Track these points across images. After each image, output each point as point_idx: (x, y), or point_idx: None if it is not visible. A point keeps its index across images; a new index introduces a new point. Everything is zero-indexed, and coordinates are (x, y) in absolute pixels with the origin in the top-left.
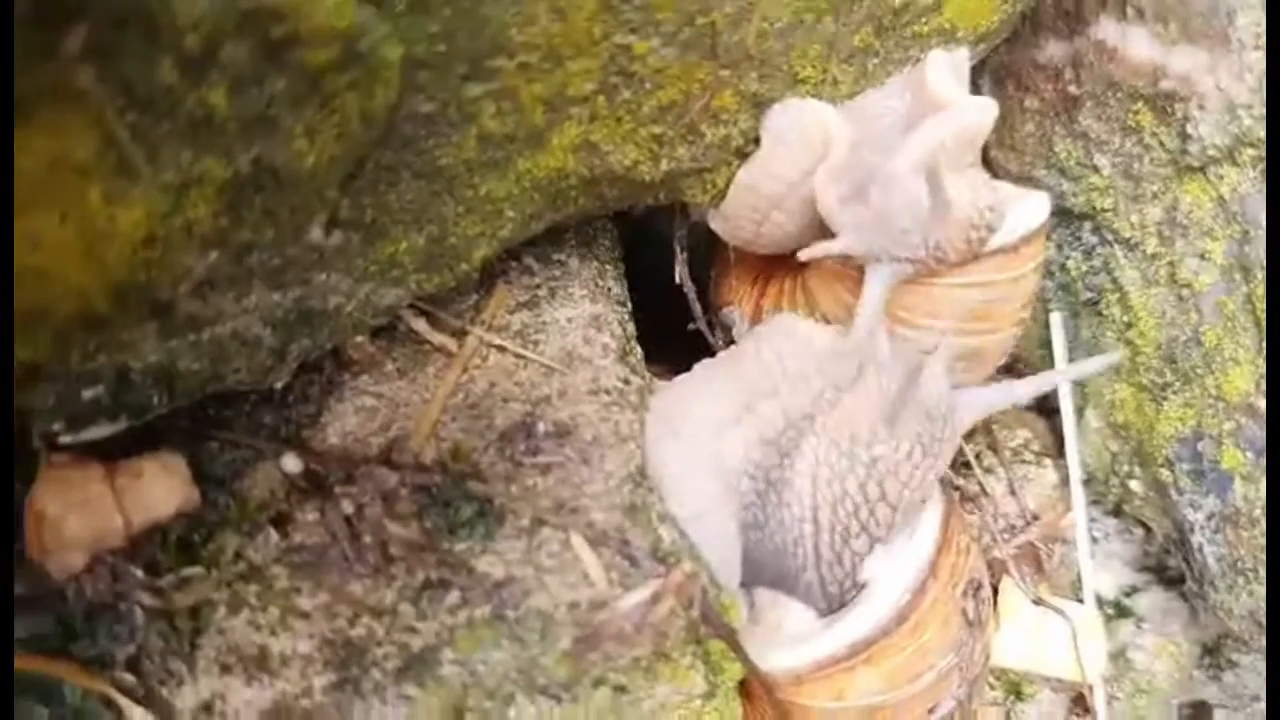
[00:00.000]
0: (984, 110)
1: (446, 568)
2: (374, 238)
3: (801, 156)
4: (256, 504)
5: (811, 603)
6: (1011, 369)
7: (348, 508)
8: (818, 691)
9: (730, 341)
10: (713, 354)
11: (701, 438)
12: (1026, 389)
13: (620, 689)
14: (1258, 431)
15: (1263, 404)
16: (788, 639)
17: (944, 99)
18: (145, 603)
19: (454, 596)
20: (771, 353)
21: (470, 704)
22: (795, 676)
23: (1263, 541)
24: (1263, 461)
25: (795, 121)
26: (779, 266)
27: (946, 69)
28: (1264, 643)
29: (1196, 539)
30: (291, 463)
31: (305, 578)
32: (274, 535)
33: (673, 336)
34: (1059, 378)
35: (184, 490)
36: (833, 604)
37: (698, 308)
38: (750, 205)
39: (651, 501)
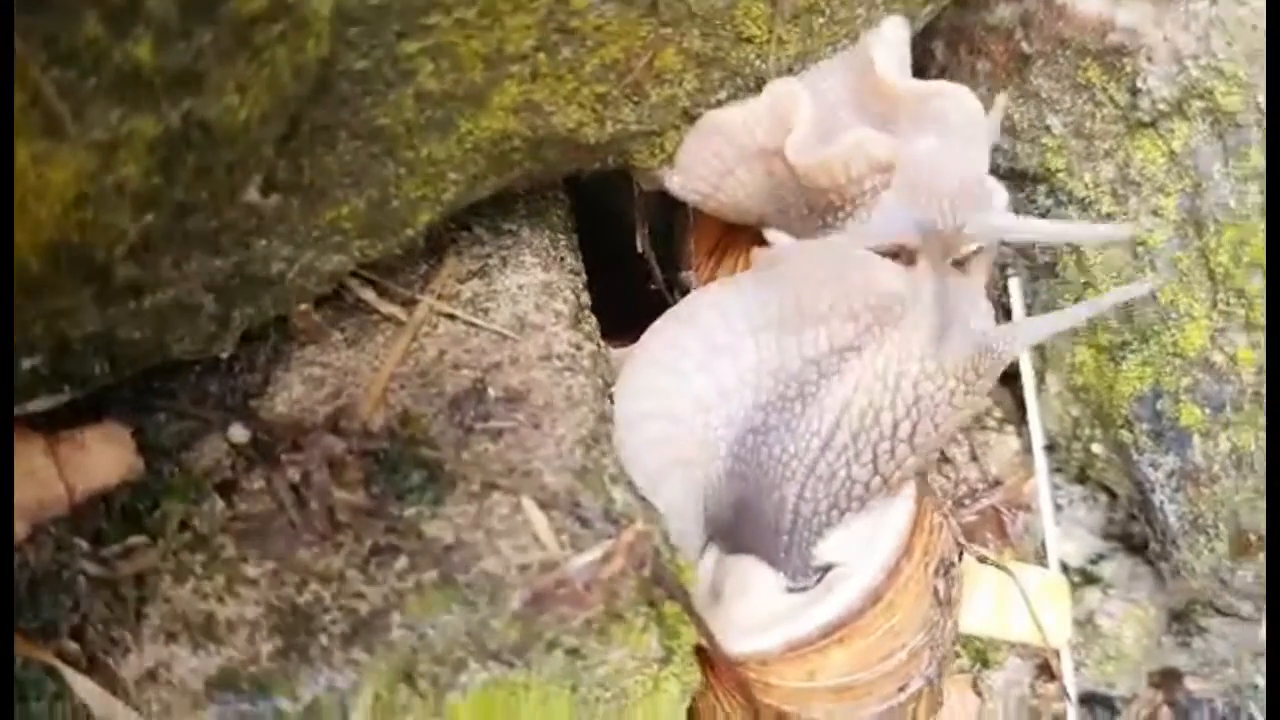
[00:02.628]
0: None
1: (394, 533)
2: (313, 201)
3: (771, 124)
4: (202, 472)
5: (775, 551)
6: None
7: (294, 475)
8: (787, 671)
9: None
10: None
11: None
12: (1084, 310)
13: (573, 652)
14: (1214, 387)
15: (1220, 358)
16: (756, 616)
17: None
18: (89, 572)
19: (402, 561)
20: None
21: (420, 669)
22: (763, 657)
23: (1223, 497)
24: (1221, 416)
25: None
26: (737, 237)
27: (895, 63)
28: (1228, 602)
29: (1158, 498)
30: (238, 432)
31: (252, 545)
32: (220, 504)
33: (634, 312)
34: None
35: (127, 459)
36: (797, 546)
37: (658, 271)
38: (714, 153)
39: (605, 464)
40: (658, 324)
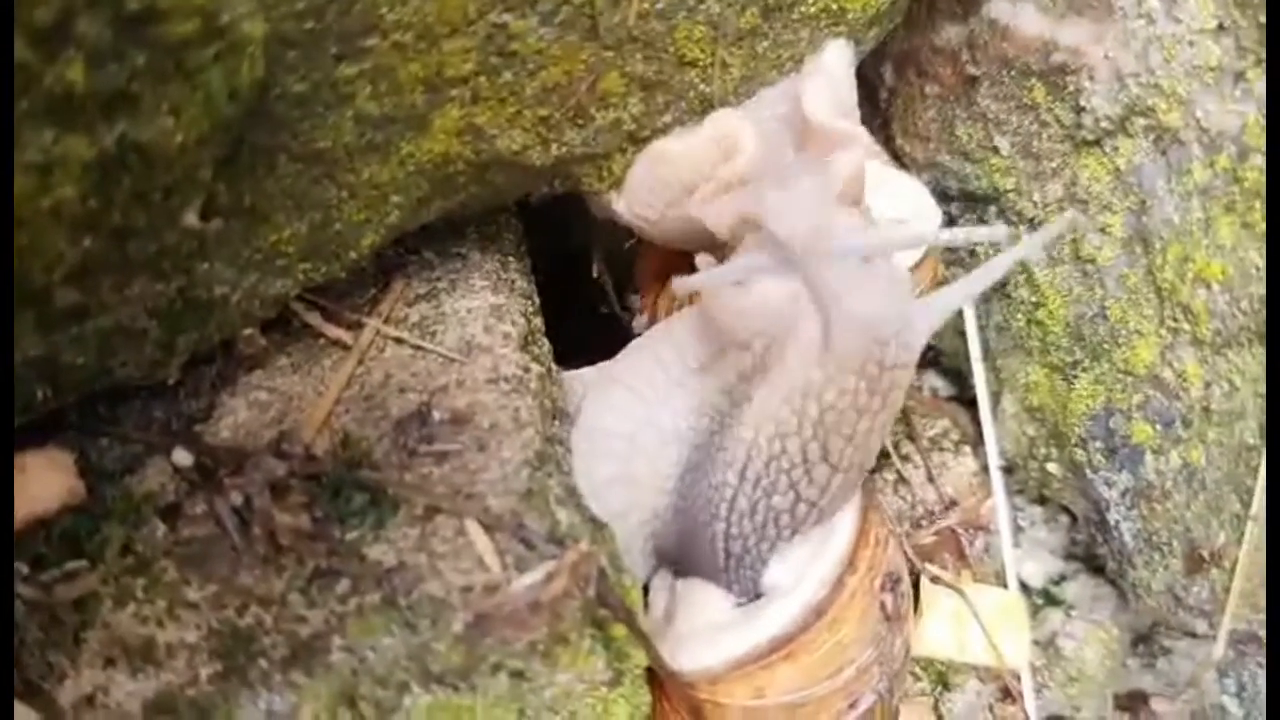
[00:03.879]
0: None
1: (336, 556)
2: (255, 225)
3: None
4: (145, 496)
5: (721, 579)
6: (935, 362)
7: (236, 499)
8: (735, 690)
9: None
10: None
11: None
12: (984, 275)
13: (518, 674)
14: (1164, 403)
15: (1168, 374)
16: (703, 633)
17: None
18: (27, 596)
19: (344, 585)
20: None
21: (362, 692)
22: (712, 676)
23: (1176, 514)
24: (1171, 433)
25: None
26: (682, 262)
27: (825, 96)
28: (1183, 619)
29: (1113, 516)
30: (182, 456)
31: (193, 569)
32: (162, 527)
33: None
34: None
35: (68, 484)
36: (740, 579)
37: (612, 295)
38: (659, 181)
39: (550, 485)
40: (632, 347)
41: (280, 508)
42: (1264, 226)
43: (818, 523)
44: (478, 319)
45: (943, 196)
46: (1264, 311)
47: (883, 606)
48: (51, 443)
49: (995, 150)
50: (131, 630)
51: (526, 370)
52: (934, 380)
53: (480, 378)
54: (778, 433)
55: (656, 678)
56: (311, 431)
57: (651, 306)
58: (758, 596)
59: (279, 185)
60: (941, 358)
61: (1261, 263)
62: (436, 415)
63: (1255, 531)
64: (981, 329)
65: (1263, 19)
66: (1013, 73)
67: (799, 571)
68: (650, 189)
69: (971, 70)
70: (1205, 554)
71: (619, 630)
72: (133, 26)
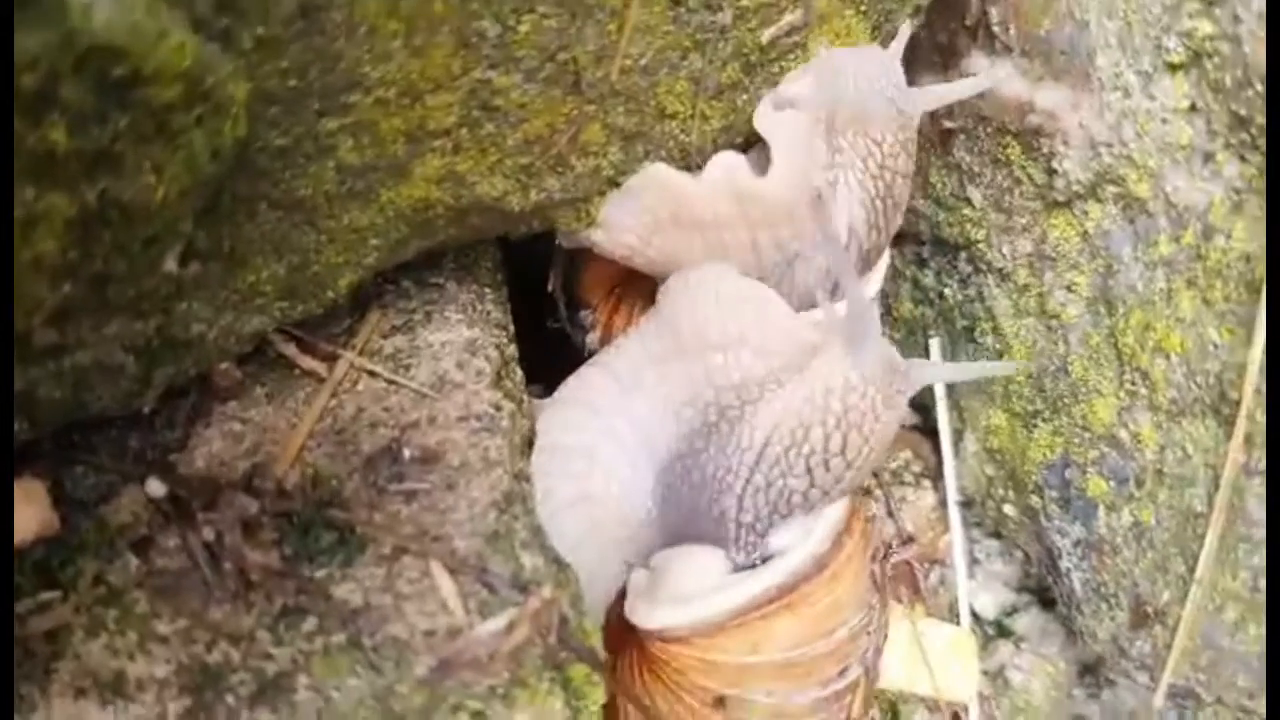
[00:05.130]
0: None
1: (305, 595)
2: (233, 267)
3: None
4: (119, 527)
5: (728, 545)
6: None
7: (208, 534)
8: (731, 644)
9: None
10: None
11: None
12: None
13: (478, 715)
14: (1120, 462)
15: (1125, 435)
16: (703, 586)
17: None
18: None
19: (311, 623)
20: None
21: None
22: (710, 627)
23: (1124, 569)
24: (1125, 490)
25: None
26: (636, 282)
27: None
28: (1126, 668)
29: (1064, 564)
30: (156, 487)
31: (165, 602)
32: (134, 560)
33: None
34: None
35: (41, 516)
36: (746, 544)
37: (563, 310)
38: (646, 209)
39: (516, 528)
40: (582, 368)
41: (251, 544)
42: (1224, 305)
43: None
44: (451, 354)
45: (914, 239)
46: (1219, 387)
47: (873, 575)
48: (26, 471)
49: (968, 201)
50: (102, 662)
51: (498, 408)
52: None
53: (452, 414)
54: (801, 423)
55: (609, 710)
56: (284, 466)
57: (606, 323)
58: (757, 563)
59: (258, 230)
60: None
61: (1218, 339)
62: (407, 453)
63: (1198, 594)
64: None
65: (1233, 106)
66: (989, 129)
67: (799, 536)
68: (634, 216)
69: (948, 123)
70: (1150, 610)
71: (578, 671)
72: (117, 91)
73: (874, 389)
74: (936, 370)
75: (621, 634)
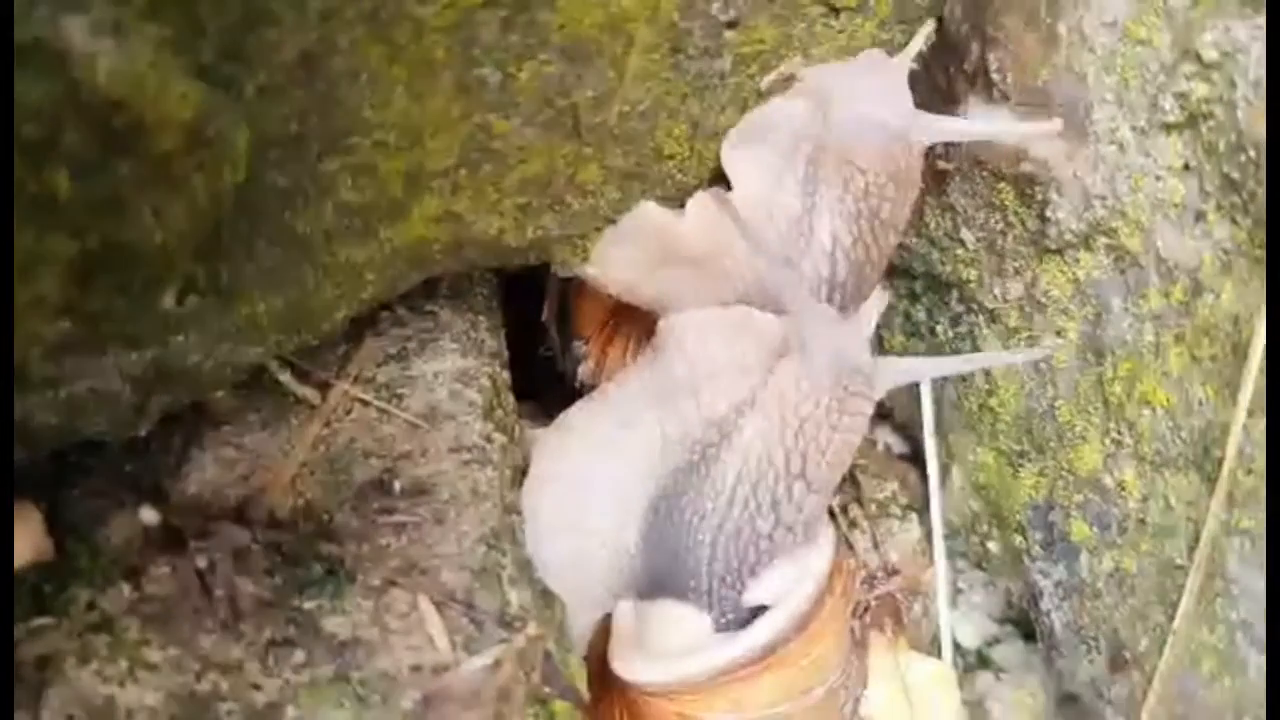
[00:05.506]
0: None
1: (294, 626)
2: (231, 301)
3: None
4: (111, 555)
5: (703, 605)
6: (888, 415)
7: (201, 562)
8: (715, 702)
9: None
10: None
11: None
12: (954, 364)
13: None
14: (1103, 508)
15: (1109, 481)
16: (682, 647)
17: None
18: None
19: (299, 655)
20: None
21: None
22: (694, 685)
23: (1104, 614)
24: (1107, 536)
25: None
26: (631, 315)
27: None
28: (1103, 711)
29: (1045, 604)
30: (149, 514)
31: (156, 630)
32: (126, 587)
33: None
34: (990, 360)
35: (36, 541)
36: (722, 604)
37: (556, 339)
38: (641, 249)
39: (504, 563)
40: (582, 400)
41: (242, 574)
42: (1211, 364)
43: (790, 549)
44: (444, 384)
45: (907, 274)
46: (1203, 444)
47: (852, 632)
48: (21, 493)
49: (961, 242)
50: (93, 689)
51: (489, 440)
52: (888, 436)
53: (443, 446)
54: (765, 447)
55: None
56: (276, 495)
57: (599, 355)
58: (737, 617)
59: (256, 266)
60: (895, 414)
61: (1204, 396)
62: (397, 485)
63: (1175, 645)
64: (936, 402)
65: (1226, 169)
66: (984, 173)
67: (781, 590)
68: (629, 254)
69: (943, 164)
70: (1128, 656)
71: (560, 706)
72: (118, 139)
73: (827, 395)
74: (905, 365)
75: (605, 674)
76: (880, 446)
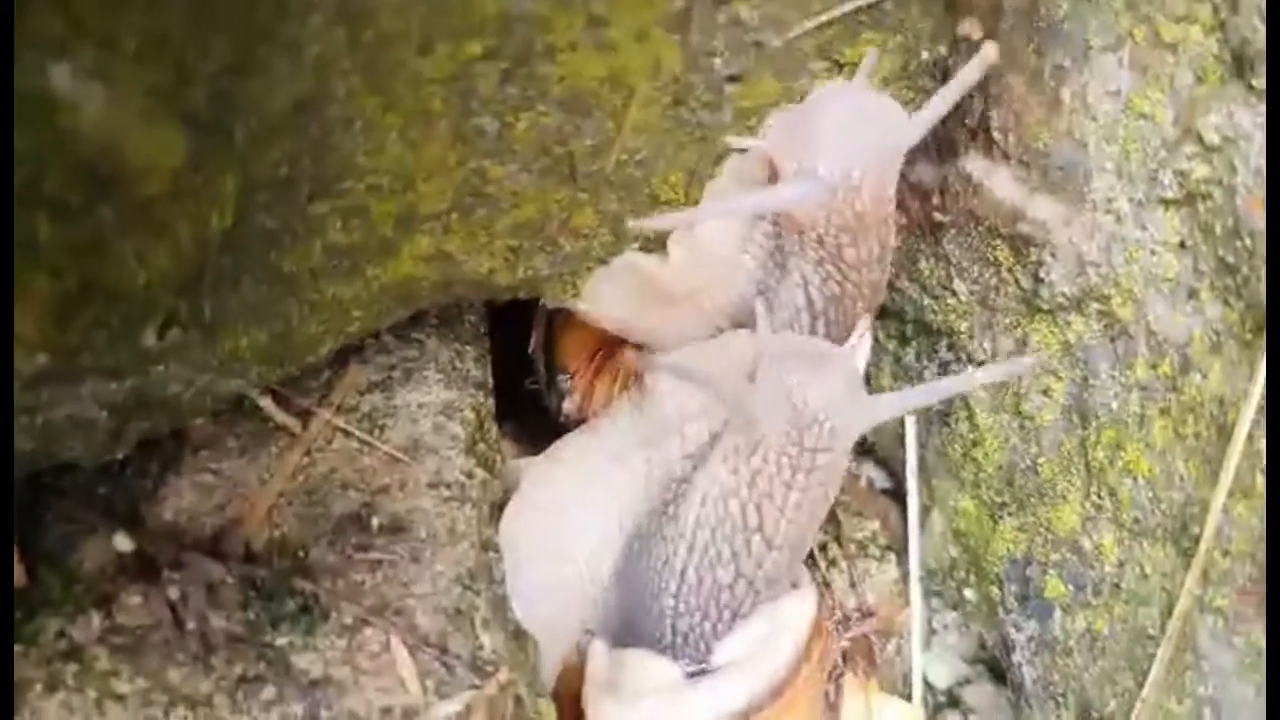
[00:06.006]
0: None
1: (265, 662)
2: (214, 335)
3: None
4: (83, 582)
5: (668, 654)
6: (871, 450)
7: (173, 593)
8: None
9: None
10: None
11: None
12: (924, 396)
13: None
14: (1080, 568)
15: (1087, 544)
16: (653, 698)
17: None
18: None
19: (269, 692)
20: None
21: None
22: None
23: (1075, 673)
24: (1082, 597)
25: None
26: (618, 349)
27: None
28: None
29: (1017, 657)
30: (123, 541)
31: (125, 660)
32: (96, 616)
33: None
34: (964, 383)
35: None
36: (686, 655)
37: (542, 371)
38: (627, 292)
39: (478, 605)
40: (574, 432)
41: (215, 606)
42: (1194, 441)
43: (755, 605)
44: (428, 416)
45: (898, 317)
46: (1181, 519)
47: (826, 696)
48: None
49: (953, 292)
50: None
51: (470, 475)
52: (871, 471)
53: (423, 480)
54: (721, 493)
55: None
56: (253, 526)
57: (586, 390)
58: (709, 669)
59: (241, 301)
60: (878, 449)
61: (1186, 472)
62: (375, 521)
63: (1143, 712)
64: (921, 446)
65: (1221, 251)
66: (980, 228)
67: (753, 649)
68: (618, 294)
69: (940, 217)
70: (1097, 717)
71: None
72: (102, 185)
73: (777, 454)
74: (880, 405)
75: (576, 715)
76: (863, 481)
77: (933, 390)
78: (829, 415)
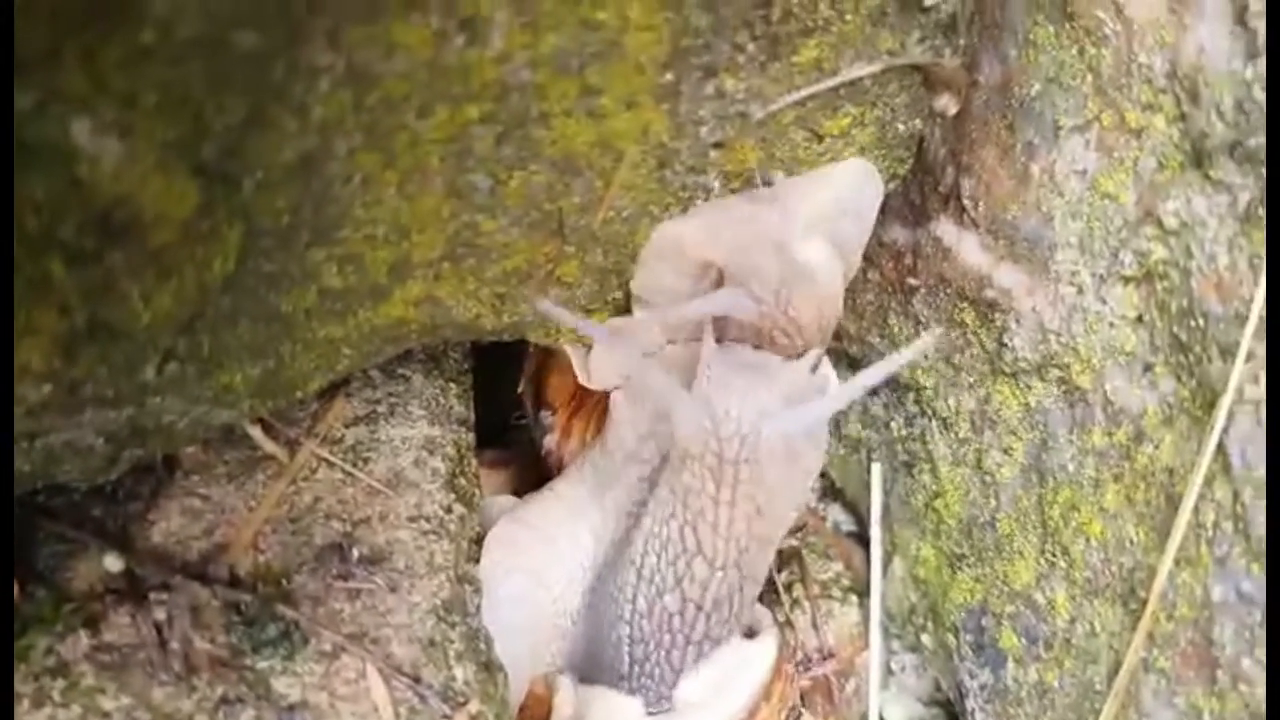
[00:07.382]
0: None
1: (245, 685)
2: (209, 369)
3: None
4: (75, 602)
5: (623, 687)
6: (839, 493)
7: (159, 615)
8: None
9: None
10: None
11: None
12: (846, 390)
13: None
14: (1033, 622)
15: (1041, 598)
16: None
17: None
18: None
19: (249, 713)
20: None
21: None
22: None
23: None
24: (1034, 650)
25: None
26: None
27: None
28: None
29: (970, 704)
30: (112, 562)
31: (111, 678)
32: (84, 634)
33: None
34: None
35: None
36: (644, 689)
37: (529, 409)
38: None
39: (452, 637)
40: (572, 466)
41: (199, 628)
42: (1144, 508)
43: (708, 631)
44: (410, 450)
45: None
46: (1130, 582)
47: None
48: None
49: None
50: None
51: (449, 510)
52: (838, 514)
53: (404, 513)
54: (664, 515)
55: None
56: (238, 551)
57: (564, 426)
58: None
59: (237, 339)
60: (846, 492)
61: (1136, 537)
62: (355, 552)
63: None
64: (885, 493)
65: (1176, 329)
66: (948, 290)
67: (713, 690)
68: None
69: (911, 280)
70: None
71: None
72: (114, 232)
73: (696, 464)
74: (796, 415)
75: None
76: (830, 524)
77: (851, 387)
78: (751, 426)
